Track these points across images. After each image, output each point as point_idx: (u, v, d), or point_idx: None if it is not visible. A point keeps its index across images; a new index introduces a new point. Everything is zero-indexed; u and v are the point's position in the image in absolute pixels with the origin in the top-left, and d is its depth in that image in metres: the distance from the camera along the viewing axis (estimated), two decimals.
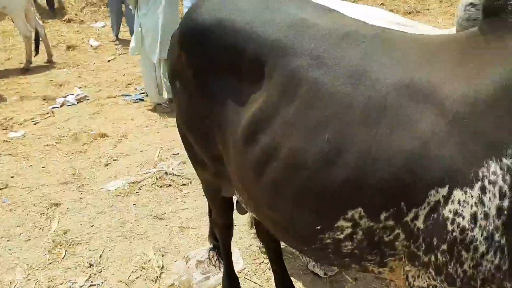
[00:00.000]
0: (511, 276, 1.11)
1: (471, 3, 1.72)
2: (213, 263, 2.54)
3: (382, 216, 1.27)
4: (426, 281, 1.29)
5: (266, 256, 2.63)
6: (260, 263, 2.80)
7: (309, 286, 2.54)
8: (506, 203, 1.08)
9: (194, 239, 3.02)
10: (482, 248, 1.12)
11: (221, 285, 2.50)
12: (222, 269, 2.52)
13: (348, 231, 1.35)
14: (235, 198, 2.03)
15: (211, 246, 2.54)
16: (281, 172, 1.40)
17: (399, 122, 1.21)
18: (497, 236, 1.10)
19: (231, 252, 2.42)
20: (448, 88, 1.19)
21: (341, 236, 1.37)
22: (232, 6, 1.60)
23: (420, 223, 1.22)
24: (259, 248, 2.84)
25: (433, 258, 1.22)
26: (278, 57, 1.44)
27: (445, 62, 1.25)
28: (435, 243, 1.20)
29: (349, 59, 1.34)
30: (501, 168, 1.09)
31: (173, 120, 4.72)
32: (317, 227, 1.39)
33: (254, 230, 2.68)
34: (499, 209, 1.09)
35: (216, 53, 1.59)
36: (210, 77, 1.62)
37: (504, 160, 1.08)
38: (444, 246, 1.18)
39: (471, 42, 1.28)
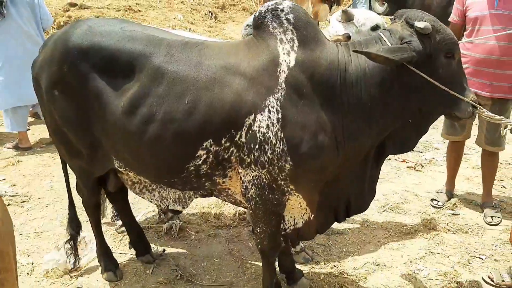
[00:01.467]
0: (288, 152, 2.14)
1: (247, 25, 2.85)
2: (70, 258, 3.01)
3: (223, 141, 2.20)
4: (251, 174, 2.26)
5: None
6: (120, 240, 3.42)
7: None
8: (280, 115, 2.12)
9: (54, 238, 3.43)
10: (274, 141, 2.14)
11: (97, 260, 3.04)
12: (90, 250, 3.11)
13: (204, 156, 2.25)
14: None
15: (68, 237, 2.95)
16: (159, 128, 2.21)
17: (224, 86, 2.17)
18: (279, 133, 2.13)
19: (101, 227, 3.02)
20: (244, 65, 2.20)
21: (200, 162, 2.26)
22: (99, 32, 2.32)
23: (243, 139, 2.19)
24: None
25: (252, 157, 2.20)
26: (145, 59, 2.24)
27: (241, 53, 2.26)
28: (251, 146, 2.18)
29: (191, 56, 2.24)
30: (274, 99, 2.13)
31: None
32: (185, 159, 2.26)
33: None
34: (277, 119, 2.12)
35: (94, 64, 2.28)
36: (91, 81, 2.30)
37: (275, 95, 2.13)
38: (257, 146, 2.17)
39: (250, 42, 2.31)
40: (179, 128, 2.20)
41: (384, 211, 3.75)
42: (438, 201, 3.83)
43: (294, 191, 2.29)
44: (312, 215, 2.45)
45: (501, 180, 4.21)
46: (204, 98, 2.18)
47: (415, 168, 4.55)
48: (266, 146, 2.16)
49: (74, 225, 2.96)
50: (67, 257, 3.01)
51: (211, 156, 2.25)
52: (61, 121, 2.47)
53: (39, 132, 5.51)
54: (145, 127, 2.24)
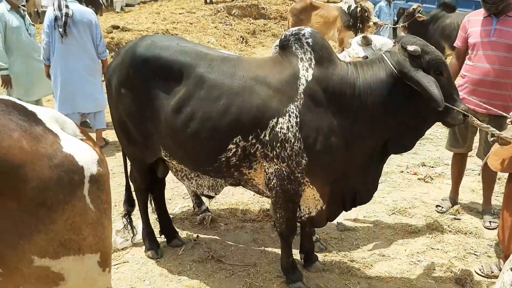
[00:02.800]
0: (304, 150, 2.64)
1: (276, 45, 3.42)
2: (128, 229, 3.63)
3: (250, 138, 2.72)
4: (273, 167, 2.77)
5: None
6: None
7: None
8: (298, 119, 2.63)
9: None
10: (293, 140, 2.65)
11: (142, 241, 3.60)
12: (137, 232, 3.65)
13: (234, 150, 2.77)
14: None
15: (125, 212, 3.55)
16: (198, 124, 2.75)
17: (253, 93, 2.70)
18: (297, 134, 2.64)
19: (148, 210, 3.58)
20: (270, 77, 2.74)
21: (230, 154, 2.78)
22: (159, 45, 2.91)
23: (267, 137, 2.70)
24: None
25: (274, 152, 2.71)
26: (191, 69, 2.81)
27: (268, 67, 2.80)
28: (274, 144, 2.69)
29: (227, 68, 2.79)
30: (294, 106, 2.64)
31: None
32: (218, 151, 2.79)
33: None
34: (296, 122, 2.63)
35: (153, 70, 2.86)
36: (150, 83, 2.88)
37: (295, 103, 2.65)
38: (278, 144, 2.68)
39: (276, 60, 2.86)
40: (214, 125, 2.73)
41: (392, 214, 4.19)
42: (442, 207, 4.25)
43: (309, 183, 2.77)
44: (324, 205, 2.93)
45: (502, 193, 4.59)
46: (236, 102, 2.71)
47: (424, 180, 4.97)
48: (286, 144, 2.66)
49: (130, 203, 3.54)
50: (124, 227, 3.58)
51: (239, 150, 2.77)
52: (124, 114, 3.04)
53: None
54: (188, 123, 2.78)
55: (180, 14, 14.42)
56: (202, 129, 2.76)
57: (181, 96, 2.81)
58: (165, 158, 3.12)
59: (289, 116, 2.64)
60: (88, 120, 5.99)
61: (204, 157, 2.88)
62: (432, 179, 5.01)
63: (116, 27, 11.58)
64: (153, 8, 15.72)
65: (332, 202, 2.95)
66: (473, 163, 5.07)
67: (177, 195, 4.45)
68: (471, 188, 4.74)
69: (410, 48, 2.60)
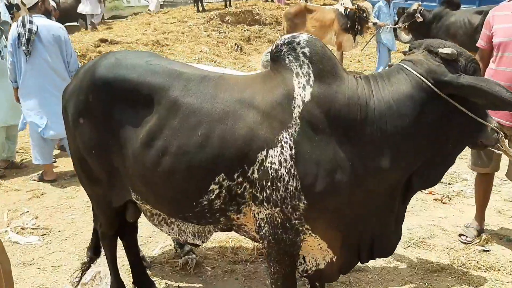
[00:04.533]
0: (302, 191, 2.06)
1: (268, 51, 2.82)
2: (95, 281, 3.05)
3: (235, 176, 2.15)
4: (264, 212, 2.19)
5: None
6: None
7: None
8: (293, 151, 2.05)
9: (70, 272, 3.41)
10: (286, 178, 2.06)
11: None
12: (105, 285, 3.06)
13: (217, 191, 2.19)
14: None
15: (87, 260, 3.02)
16: (173, 161, 2.18)
17: (237, 119, 2.13)
18: (292, 170, 2.05)
19: (116, 261, 2.99)
20: (259, 99, 2.16)
21: (213, 196, 2.21)
22: (125, 64, 2.36)
23: (255, 175, 2.13)
24: None
25: (264, 194, 2.13)
26: (163, 92, 2.24)
27: (256, 86, 2.22)
28: (264, 183, 2.11)
29: (207, 90, 2.23)
30: (288, 134, 2.07)
31: (7, 183, 4.93)
32: (198, 193, 2.21)
33: None
34: (291, 155, 2.06)
35: (117, 95, 2.31)
36: (113, 112, 2.32)
37: (289, 130, 2.07)
38: (269, 183, 2.09)
39: (267, 75, 2.28)
40: (191, 161, 2.17)
41: (409, 246, 3.58)
42: (467, 237, 3.63)
43: (311, 232, 2.19)
44: (335, 257, 2.33)
45: None
46: (217, 131, 2.15)
47: (442, 201, 4.36)
48: (278, 183, 2.08)
49: (96, 250, 3.00)
50: (91, 279, 3.01)
51: (224, 191, 2.20)
52: (83, 148, 2.50)
53: (64, 164, 5.60)
54: (160, 160, 2.22)
55: (171, 23, 13.88)
56: (177, 166, 2.20)
57: (152, 126, 2.26)
58: (136, 201, 2.54)
59: (282, 147, 2.06)
60: (64, 145, 5.43)
61: (182, 201, 2.31)
62: (450, 199, 4.41)
63: (104, 41, 11.09)
64: (144, 19, 15.18)
65: (345, 252, 2.34)
66: (496, 177, 4.45)
67: (158, 232, 3.83)
68: (497, 209, 4.12)
69: (445, 51, 2.03)
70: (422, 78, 2.07)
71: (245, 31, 13.70)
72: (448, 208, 4.25)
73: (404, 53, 2.36)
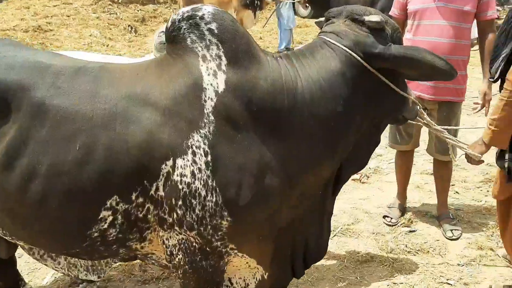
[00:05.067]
0: (224, 206, 1.65)
1: (162, 31, 2.29)
2: None
3: (134, 196, 1.67)
4: (176, 237, 1.74)
5: None
6: None
7: None
8: (209, 157, 1.62)
9: None
10: (203, 193, 1.63)
11: None
12: None
13: (110, 218, 1.69)
14: None
15: None
16: (44, 184, 1.64)
17: (129, 122, 1.64)
18: (209, 181, 1.63)
19: None
20: (156, 93, 1.68)
21: (106, 226, 1.70)
22: None
23: (161, 192, 1.66)
24: None
25: (175, 216, 1.67)
26: (23, 93, 1.67)
27: (150, 77, 1.73)
28: (173, 202, 1.65)
29: (84, 86, 1.69)
30: (200, 136, 1.63)
31: None
32: (84, 224, 1.69)
33: None
34: (206, 163, 1.62)
35: None
36: None
37: (201, 131, 1.63)
38: (180, 202, 1.64)
39: (164, 61, 1.79)
40: (70, 183, 1.65)
41: (334, 235, 3.33)
42: (391, 218, 3.48)
43: (236, 251, 1.79)
44: (267, 273, 1.96)
45: (452, 185, 3.94)
46: (101, 140, 1.64)
47: (360, 180, 4.19)
48: (193, 200, 1.64)
49: None
50: None
51: (119, 217, 1.71)
52: None
53: None
54: (27, 184, 1.67)
55: (54, 6, 12.50)
56: (51, 192, 1.67)
57: (11, 140, 1.69)
58: (5, 237, 1.95)
59: (193, 153, 1.62)
60: None
61: (64, 236, 1.79)
62: (368, 177, 4.26)
63: None
64: (22, 3, 13.54)
65: (277, 266, 1.98)
66: None
67: None
68: (416, 185, 4.03)
69: (373, 18, 1.76)
70: (350, 52, 1.76)
71: (138, 11, 12.80)
72: (368, 188, 4.09)
73: (319, 23, 2.05)
